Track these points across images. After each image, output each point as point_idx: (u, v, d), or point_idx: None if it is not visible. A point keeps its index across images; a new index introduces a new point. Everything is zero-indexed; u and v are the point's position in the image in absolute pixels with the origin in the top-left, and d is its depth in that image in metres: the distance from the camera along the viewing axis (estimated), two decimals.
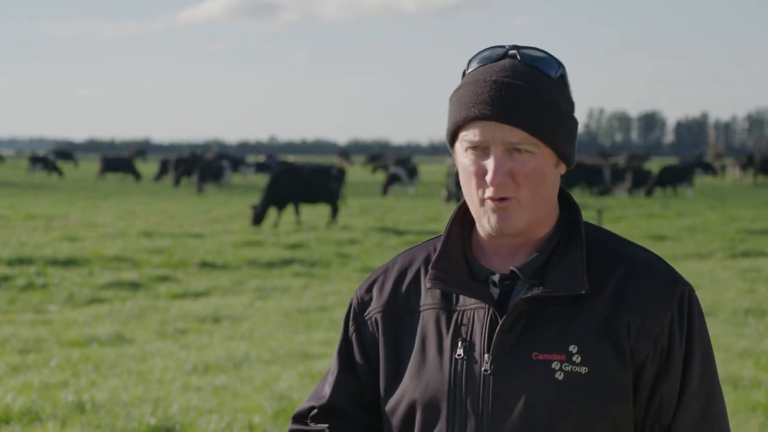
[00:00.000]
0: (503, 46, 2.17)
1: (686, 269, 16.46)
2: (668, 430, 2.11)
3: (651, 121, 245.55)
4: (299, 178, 24.92)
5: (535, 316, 2.11)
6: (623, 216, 28.30)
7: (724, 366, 9.01)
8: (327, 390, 2.30)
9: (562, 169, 2.16)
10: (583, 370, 2.06)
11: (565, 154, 2.14)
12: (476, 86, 2.11)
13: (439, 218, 27.26)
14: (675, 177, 43.27)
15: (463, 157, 2.14)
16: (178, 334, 11.02)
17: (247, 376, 8.93)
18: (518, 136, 2.08)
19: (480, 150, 2.11)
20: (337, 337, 11.74)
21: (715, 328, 10.69)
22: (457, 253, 2.21)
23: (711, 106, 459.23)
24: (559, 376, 2.07)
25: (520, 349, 2.10)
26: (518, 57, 2.14)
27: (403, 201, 36.97)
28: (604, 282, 2.12)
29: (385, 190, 40.99)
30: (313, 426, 2.30)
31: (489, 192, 2.10)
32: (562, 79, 2.15)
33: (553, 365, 2.07)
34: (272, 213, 25.05)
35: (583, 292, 2.09)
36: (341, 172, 25.99)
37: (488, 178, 2.09)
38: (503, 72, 2.11)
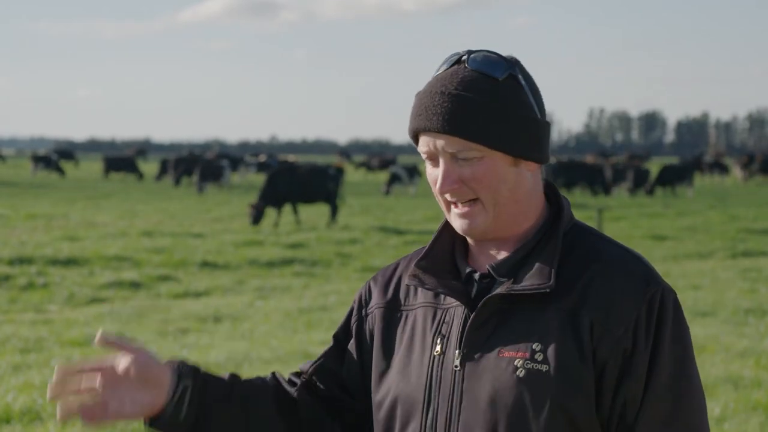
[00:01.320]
0: (459, 53, 2.18)
1: (687, 269, 16.47)
2: (632, 430, 2.10)
3: (651, 121, 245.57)
4: (296, 178, 24.89)
5: (506, 313, 2.13)
6: (624, 216, 28.30)
7: (724, 366, 9.01)
8: (314, 360, 2.39)
9: (529, 166, 2.16)
10: (544, 368, 2.07)
11: (519, 153, 2.14)
12: (420, 98, 2.16)
13: (440, 218, 27.18)
14: (675, 176, 43.27)
15: (426, 164, 2.19)
16: (179, 333, 11.03)
17: (247, 375, 8.93)
18: (457, 144, 2.10)
19: (431, 158, 2.16)
20: None
21: (715, 328, 10.68)
22: (445, 252, 2.25)
23: (711, 106, 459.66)
24: (521, 373, 2.08)
25: (490, 346, 2.12)
26: (466, 63, 2.15)
27: (403, 201, 36.98)
28: (575, 280, 2.12)
29: (387, 189, 41.00)
30: (294, 379, 2.38)
31: (448, 197, 2.15)
32: (513, 79, 2.14)
33: (516, 362, 2.08)
34: (272, 213, 25.05)
35: (548, 290, 2.10)
36: (339, 172, 25.93)
37: (437, 186, 2.14)
38: (443, 81, 2.14)
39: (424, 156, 2.16)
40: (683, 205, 34.15)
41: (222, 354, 9.75)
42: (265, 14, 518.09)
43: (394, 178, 42.42)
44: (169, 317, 11.98)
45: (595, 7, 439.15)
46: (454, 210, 2.17)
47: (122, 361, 2.16)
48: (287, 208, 25.56)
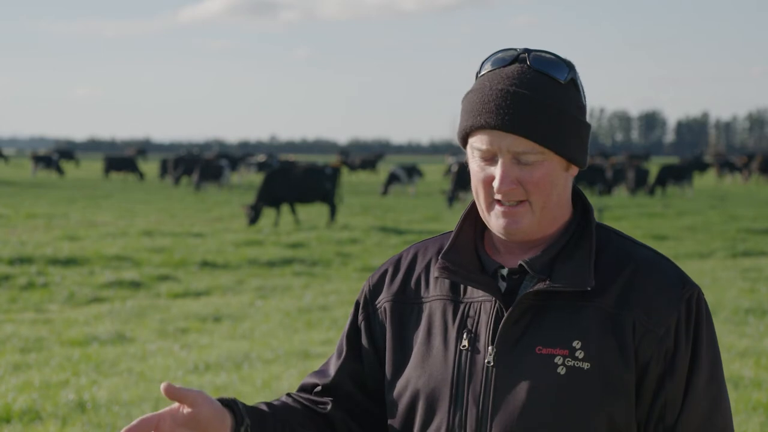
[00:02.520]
0: (515, 50, 2.16)
1: (687, 269, 16.45)
2: (672, 431, 2.11)
3: (652, 121, 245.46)
4: (292, 178, 24.75)
5: (541, 310, 2.12)
6: (624, 215, 28.29)
7: (725, 366, 8.97)
8: (332, 370, 2.31)
9: (574, 171, 2.17)
10: (586, 365, 2.07)
11: (575, 159, 2.14)
12: (483, 94, 2.12)
13: (440, 218, 27.23)
14: (675, 176, 43.27)
15: (472, 162, 2.16)
16: (179, 333, 11.02)
17: (247, 375, 8.93)
18: (524, 145, 2.09)
19: (488, 157, 2.12)
20: (337, 336, 11.65)
21: (715, 328, 10.66)
22: (469, 246, 2.22)
23: (712, 106, 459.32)
24: (561, 370, 2.07)
25: (525, 342, 2.11)
26: (527, 62, 2.13)
27: (403, 200, 36.97)
28: (612, 280, 2.13)
29: (384, 190, 40.90)
30: (317, 398, 2.31)
31: (498, 197, 2.12)
32: (573, 83, 2.14)
33: (556, 360, 2.08)
34: (272, 212, 25.03)
35: (589, 289, 2.10)
36: (336, 171, 25.76)
37: (495, 185, 2.11)
38: (510, 79, 2.11)
39: (476, 153, 2.13)
40: (683, 205, 34.13)
41: (222, 354, 9.74)
42: (265, 14, 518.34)
43: (393, 178, 42.27)
44: (169, 317, 11.97)
45: (596, 7, 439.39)
46: (498, 209, 2.13)
47: (184, 411, 2.11)
48: (287, 208, 25.48)
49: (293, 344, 10.25)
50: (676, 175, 43.45)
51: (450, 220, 26.15)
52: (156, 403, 7.84)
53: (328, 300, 13.17)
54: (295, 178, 24.77)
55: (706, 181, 61.02)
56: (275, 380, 8.68)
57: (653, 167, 55.34)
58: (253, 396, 8.11)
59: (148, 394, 8.18)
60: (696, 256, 18.89)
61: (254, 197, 24.21)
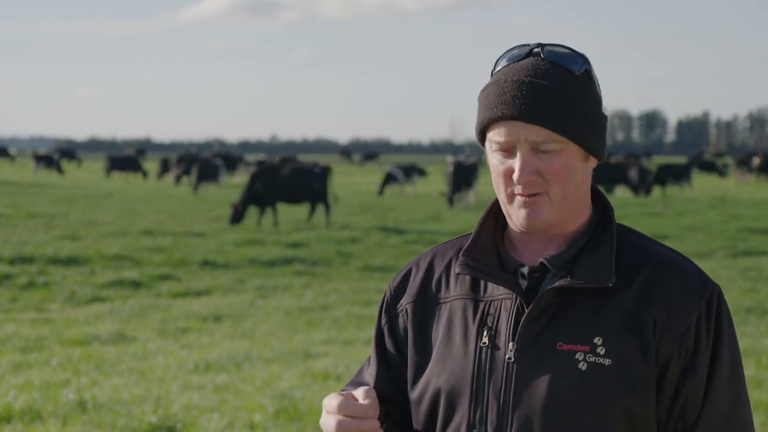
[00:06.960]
0: (528, 45, 2.19)
1: None
2: (692, 430, 2.12)
3: (652, 120, 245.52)
4: (277, 179, 24.59)
5: (562, 307, 2.13)
6: (624, 215, 28.28)
7: None
8: (369, 380, 2.32)
9: (593, 163, 2.19)
10: (607, 362, 2.08)
11: (592, 149, 2.16)
12: (499, 86, 2.14)
13: (440, 218, 27.22)
14: (674, 175, 43.28)
15: (491, 156, 2.17)
16: (180, 332, 11.03)
17: (248, 374, 8.93)
18: (542, 134, 2.11)
19: (506, 149, 2.14)
20: (338, 335, 11.63)
21: None
22: (489, 244, 2.24)
23: (712, 105, 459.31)
24: (582, 366, 2.08)
25: (545, 338, 2.12)
26: (542, 55, 2.16)
27: (404, 200, 36.97)
28: (632, 278, 2.14)
29: (381, 189, 40.83)
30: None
31: (518, 189, 2.14)
32: (587, 74, 2.17)
33: (577, 356, 2.09)
34: (272, 212, 25.01)
35: (610, 285, 2.11)
36: (325, 171, 25.59)
37: (515, 176, 2.12)
38: (525, 71, 2.14)
39: (495, 146, 2.15)
40: (683, 204, 34.14)
41: (223, 353, 9.75)
42: (265, 14, 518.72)
43: (389, 178, 42.14)
44: (170, 316, 11.98)
45: (596, 6, 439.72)
46: (518, 201, 2.15)
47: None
48: (287, 207, 25.41)
49: (294, 344, 10.26)
50: (675, 174, 43.44)
51: (450, 220, 26.15)
52: (156, 403, 7.84)
53: (329, 299, 13.18)
54: (281, 179, 24.60)
55: (706, 181, 60.99)
56: (276, 380, 8.69)
57: (651, 167, 55.21)
58: (254, 396, 8.12)
59: (149, 393, 8.19)
60: (696, 255, 18.88)
61: (239, 197, 24.07)
